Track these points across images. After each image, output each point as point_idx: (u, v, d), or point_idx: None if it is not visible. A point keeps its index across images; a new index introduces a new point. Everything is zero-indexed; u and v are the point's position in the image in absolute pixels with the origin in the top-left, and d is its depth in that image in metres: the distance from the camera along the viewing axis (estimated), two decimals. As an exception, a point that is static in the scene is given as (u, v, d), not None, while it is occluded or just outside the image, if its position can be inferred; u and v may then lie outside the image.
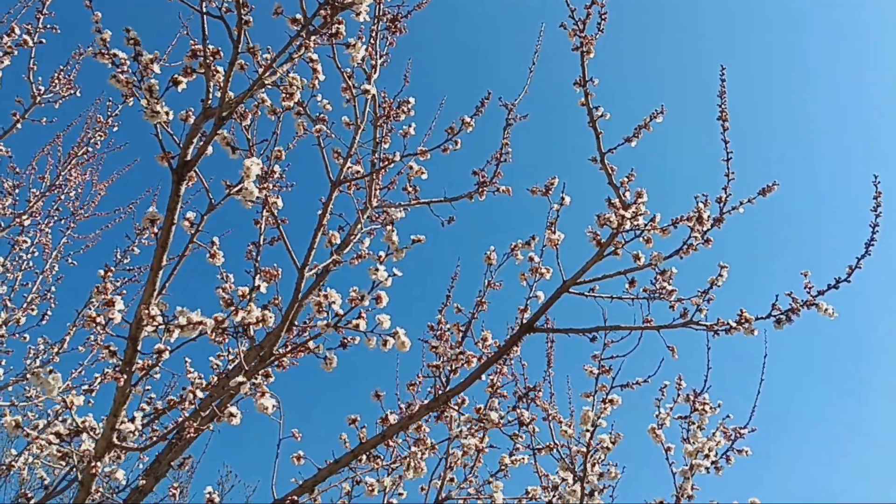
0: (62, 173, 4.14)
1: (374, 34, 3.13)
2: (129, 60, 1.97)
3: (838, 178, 13.41)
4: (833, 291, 2.47)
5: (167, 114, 1.99)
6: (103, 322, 1.93)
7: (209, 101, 2.02)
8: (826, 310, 2.45)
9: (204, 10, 2.02)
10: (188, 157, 2.00)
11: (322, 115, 2.90)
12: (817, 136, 13.65)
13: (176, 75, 1.97)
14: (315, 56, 2.25)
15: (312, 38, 2.07)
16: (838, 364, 13.45)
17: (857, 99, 13.33)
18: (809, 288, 2.46)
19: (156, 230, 2.05)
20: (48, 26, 3.57)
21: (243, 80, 2.11)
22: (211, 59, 2.01)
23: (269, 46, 2.10)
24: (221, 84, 1.99)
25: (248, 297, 2.18)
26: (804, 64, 13.50)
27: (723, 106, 2.59)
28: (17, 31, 3.43)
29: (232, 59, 1.98)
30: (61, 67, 3.84)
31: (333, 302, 2.13)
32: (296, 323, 2.70)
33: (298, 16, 2.07)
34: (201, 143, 2.05)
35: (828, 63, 13.40)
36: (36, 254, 4.25)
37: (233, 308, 2.12)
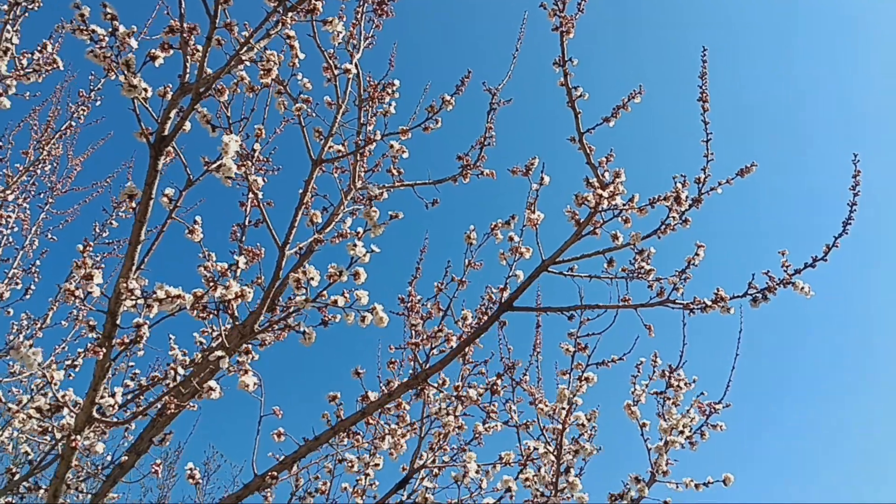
0: (46, 148, 4.11)
1: (358, 15, 3.13)
2: (106, 36, 1.96)
3: (818, 157, 13.48)
4: (810, 270, 2.50)
5: (145, 89, 1.99)
6: (82, 296, 1.94)
7: (186, 77, 2.02)
8: (802, 288, 2.49)
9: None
10: (165, 133, 2.00)
11: (304, 95, 2.90)
12: (796, 113, 13.70)
13: (153, 50, 1.96)
14: (292, 33, 2.25)
15: (290, 14, 2.08)
16: (815, 339, 13.60)
17: (839, 77, 13.37)
18: (787, 266, 2.49)
19: (133, 205, 2.06)
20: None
21: (221, 57, 2.11)
22: (188, 34, 2.01)
23: (246, 22, 2.10)
24: (199, 60, 1.99)
25: (227, 273, 2.18)
26: (789, 43, 13.53)
27: (703, 87, 2.61)
28: (49, 48, 3.35)
29: (209, 35, 1.98)
30: (44, 41, 3.80)
31: (312, 278, 2.14)
32: (278, 301, 2.72)
33: (277, -9, 2.06)
34: (179, 118, 2.05)
35: (813, 41, 13.43)
36: (15, 229, 4.24)
37: (212, 284, 2.13)
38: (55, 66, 3.87)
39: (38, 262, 4.28)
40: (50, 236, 4.61)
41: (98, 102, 4.18)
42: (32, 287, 4.22)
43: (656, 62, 13.31)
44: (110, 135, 4.86)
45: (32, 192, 4.40)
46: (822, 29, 13.47)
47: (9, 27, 3.07)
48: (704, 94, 2.61)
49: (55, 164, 4.51)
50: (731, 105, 11.72)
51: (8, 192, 3.91)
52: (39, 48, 3.22)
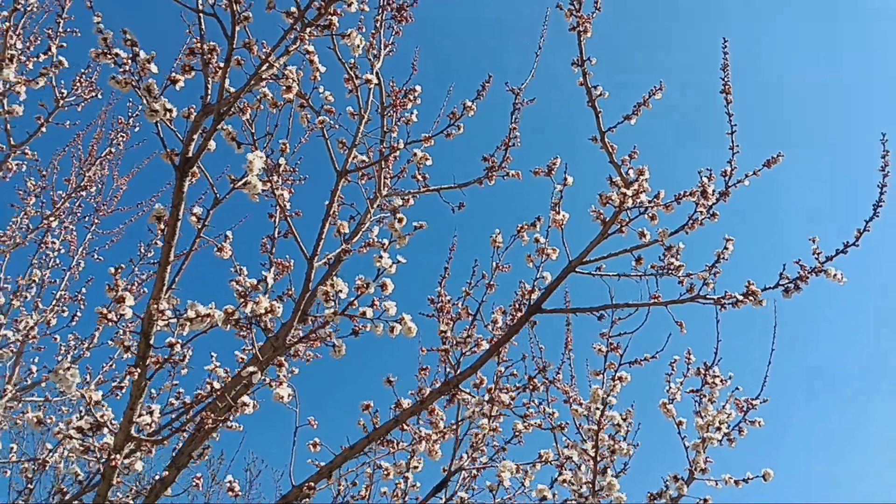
0: (86, 174, 4.22)
1: (377, 23, 3.16)
2: (129, 60, 2.01)
3: (845, 140, 13.14)
4: (842, 256, 2.45)
5: (169, 111, 2.03)
6: (115, 318, 1.99)
7: (208, 98, 2.06)
8: (835, 275, 2.44)
9: (200, 7, 2.06)
10: (190, 154, 2.04)
11: (327, 107, 2.93)
12: (821, 101, 13.38)
13: (174, 73, 2.01)
14: (311, 48, 2.27)
15: (308, 30, 2.10)
16: (852, 328, 13.25)
17: (863, 61, 13.02)
18: (818, 254, 2.44)
19: (162, 227, 2.11)
20: (69, 30, 3.61)
21: (243, 76, 2.14)
22: (208, 56, 2.05)
23: (263, 41, 2.13)
24: (220, 80, 2.03)
25: (257, 287, 2.22)
26: (814, 28, 13.22)
27: (726, 79, 2.57)
28: (54, 49, 3.45)
29: (227, 55, 2.02)
30: (82, 70, 3.89)
31: (340, 291, 2.17)
32: (308, 313, 2.75)
33: (293, 9, 2.09)
34: (203, 139, 2.09)
35: (838, 27, 13.11)
36: (62, 251, 4.36)
37: (242, 300, 2.16)
38: (95, 93, 3.97)
39: (83, 290, 4.38)
40: (96, 257, 4.73)
41: (136, 128, 4.28)
42: (78, 314, 4.32)
43: (678, 52, 13.14)
44: (154, 154, 4.96)
45: (78, 214, 4.52)
46: (846, 8, 13.15)
47: (11, 33, 3.15)
48: (727, 86, 2.57)
49: (101, 186, 4.63)
50: (755, 91, 11.50)
51: (52, 217, 4.02)
52: (45, 51, 3.31)
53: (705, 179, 2.51)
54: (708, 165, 2.53)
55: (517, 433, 2.90)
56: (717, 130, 2.60)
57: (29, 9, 3.33)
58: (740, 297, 2.43)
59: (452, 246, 3.21)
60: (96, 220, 4.71)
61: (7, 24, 3.18)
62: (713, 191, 2.52)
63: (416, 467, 2.83)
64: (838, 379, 13.12)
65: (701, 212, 2.52)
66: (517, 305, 2.90)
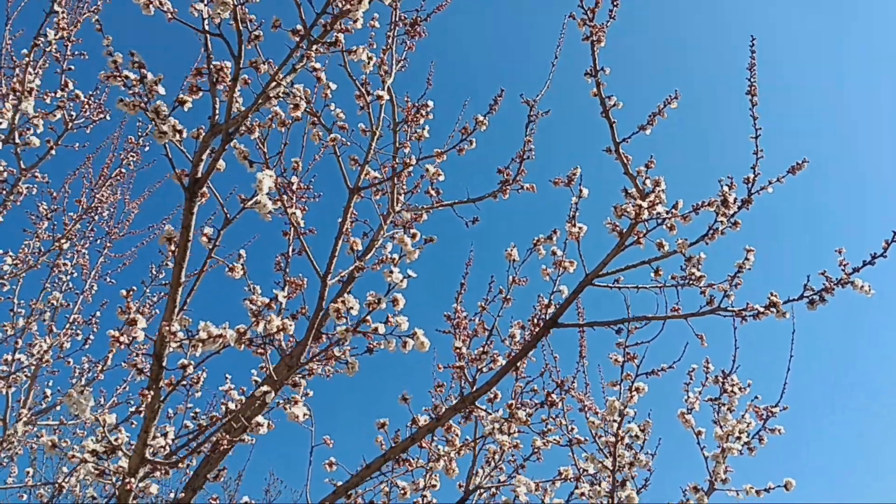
0: (97, 195, 4.22)
1: (389, 39, 3.14)
2: (137, 83, 2.00)
3: (871, 150, 13.01)
4: (869, 268, 2.40)
5: (179, 131, 2.01)
6: (127, 341, 1.97)
7: (216, 118, 2.04)
8: (862, 287, 2.38)
9: (206, 27, 2.05)
10: (199, 175, 2.03)
11: (339, 124, 2.92)
12: (847, 106, 13.27)
13: (181, 95, 2.00)
14: (318, 66, 2.26)
15: (314, 47, 2.09)
16: (871, 335, 13.06)
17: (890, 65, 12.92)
18: (844, 265, 2.39)
19: (173, 248, 2.09)
20: (77, 53, 3.62)
21: (251, 95, 2.13)
22: (215, 76, 2.04)
23: (270, 60, 2.11)
24: (227, 100, 2.02)
25: (271, 306, 2.19)
26: (840, 31, 13.14)
27: (752, 80, 2.51)
28: (71, 85, 3.45)
29: (235, 75, 2.00)
30: (91, 93, 3.90)
31: (351, 308, 2.14)
32: (322, 331, 2.72)
33: (298, 27, 2.08)
34: (212, 159, 2.07)
35: (867, 27, 13.03)
36: (75, 275, 4.36)
37: (254, 319, 2.14)
38: (104, 115, 3.98)
39: (97, 314, 4.38)
40: (109, 280, 4.73)
41: (147, 148, 4.28)
42: (91, 337, 4.32)
43: (694, 58, 13.08)
44: (168, 176, 4.97)
45: (90, 238, 4.53)
46: (873, 9, 13.06)
47: (30, 69, 3.16)
48: (753, 88, 2.50)
49: (112, 209, 4.64)
50: (779, 95, 11.42)
51: (63, 240, 4.02)
52: (62, 86, 3.31)
53: (726, 188, 2.47)
54: (731, 173, 2.48)
55: (536, 450, 2.86)
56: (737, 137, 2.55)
57: (48, 48, 3.35)
58: (762, 310, 2.38)
59: (469, 261, 3.18)
60: (108, 244, 4.72)
61: (27, 59, 3.20)
62: (734, 199, 2.47)
63: (434, 486, 2.79)
64: (863, 387, 12.94)
65: (721, 221, 2.47)
66: (535, 320, 2.86)
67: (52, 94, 3.33)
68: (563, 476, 2.77)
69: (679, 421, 2.78)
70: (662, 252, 2.54)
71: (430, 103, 3.12)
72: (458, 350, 2.65)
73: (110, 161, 4.25)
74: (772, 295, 2.42)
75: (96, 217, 4.31)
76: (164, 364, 2.03)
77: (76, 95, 3.39)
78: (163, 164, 4.75)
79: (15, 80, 3.23)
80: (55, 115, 3.37)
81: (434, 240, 2.53)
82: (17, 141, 3.29)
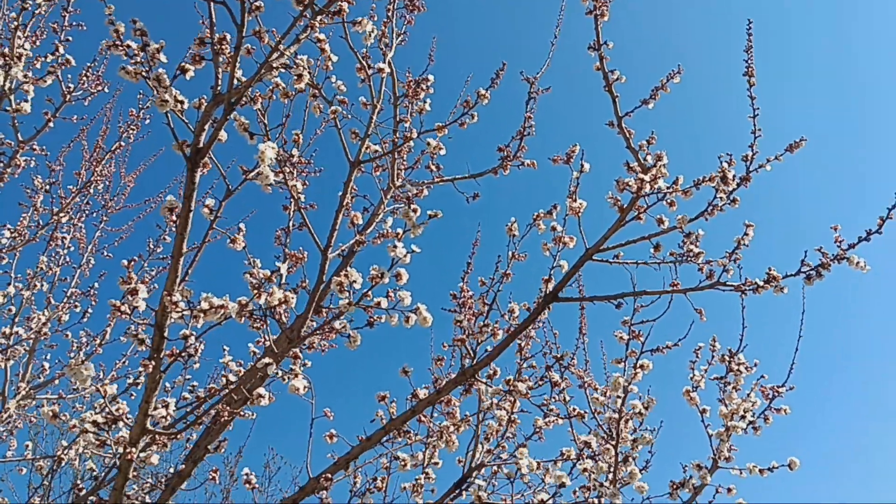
0: (96, 168, 4.19)
1: (389, 13, 3.12)
2: (139, 51, 1.98)
3: (868, 126, 13.00)
4: (864, 244, 2.41)
5: (180, 102, 2.00)
6: (128, 311, 1.97)
7: (218, 88, 2.03)
8: (857, 263, 2.39)
9: (208, -5, 2.03)
10: (201, 144, 2.02)
11: (340, 97, 2.91)
12: (845, 85, 13.24)
13: (183, 63, 1.98)
14: (322, 36, 2.24)
15: (318, 17, 2.07)
16: (878, 315, 13.11)
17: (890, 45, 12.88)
18: (839, 241, 2.40)
19: (174, 218, 2.08)
20: (74, 24, 3.57)
21: (254, 65, 2.11)
22: (218, 45, 2.02)
23: (273, 29, 2.09)
24: (229, 70, 2.00)
25: (271, 279, 2.19)
26: (842, 10, 13.09)
27: (749, 61, 2.52)
28: (61, 49, 3.41)
29: (237, 44, 1.99)
30: (89, 64, 3.85)
31: (354, 281, 2.14)
32: (322, 305, 2.72)
33: (303, -5, 2.05)
34: (214, 129, 2.06)
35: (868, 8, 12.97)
36: (72, 249, 4.35)
37: (256, 291, 2.13)
38: (102, 87, 3.94)
39: (96, 285, 4.37)
40: (106, 254, 4.71)
41: (147, 120, 4.24)
42: (90, 311, 4.31)
43: (698, 34, 13.02)
44: (162, 150, 4.93)
45: (87, 212, 4.50)
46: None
47: (19, 33, 3.13)
48: (750, 69, 2.51)
49: (108, 183, 4.61)
50: (778, 73, 11.39)
51: (62, 214, 4.00)
52: (53, 52, 3.28)
53: (725, 164, 2.47)
54: (730, 150, 2.48)
55: (537, 429, 2.86)
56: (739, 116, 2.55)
57: (38, 11, 3.31)
58: (761, 284, 2.39)
59: (476, 241, 3.16)
60: (105, 218, 4.69)
61: (16, 23, 3.16)
62: (733, 176, 2.47)
63: (435, 463, 2.80)
64: (870, 368, 13.00)
65: (721, 197, 2.47)
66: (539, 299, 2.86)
67: (43, 59, 3.29)
68: (564, 456, 2.78)
69: (684, 398, 2.79)
70: (662, 228, 2.55)
71: (431, 77, 3.11)
72: (458, 323, 2.65)
73: (104, 133, 4.21)
74: (770, 270, 2.43)
75: (92, 191, 4.28)
76: (165, 334, 2.03)
77: (67, 60, 3.35)
78: (158, 137, 4.72)
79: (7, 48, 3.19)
80: (46, 81, 3.33)
81: (439, 214, 2.53)
82: (8, 108, 3.25)
